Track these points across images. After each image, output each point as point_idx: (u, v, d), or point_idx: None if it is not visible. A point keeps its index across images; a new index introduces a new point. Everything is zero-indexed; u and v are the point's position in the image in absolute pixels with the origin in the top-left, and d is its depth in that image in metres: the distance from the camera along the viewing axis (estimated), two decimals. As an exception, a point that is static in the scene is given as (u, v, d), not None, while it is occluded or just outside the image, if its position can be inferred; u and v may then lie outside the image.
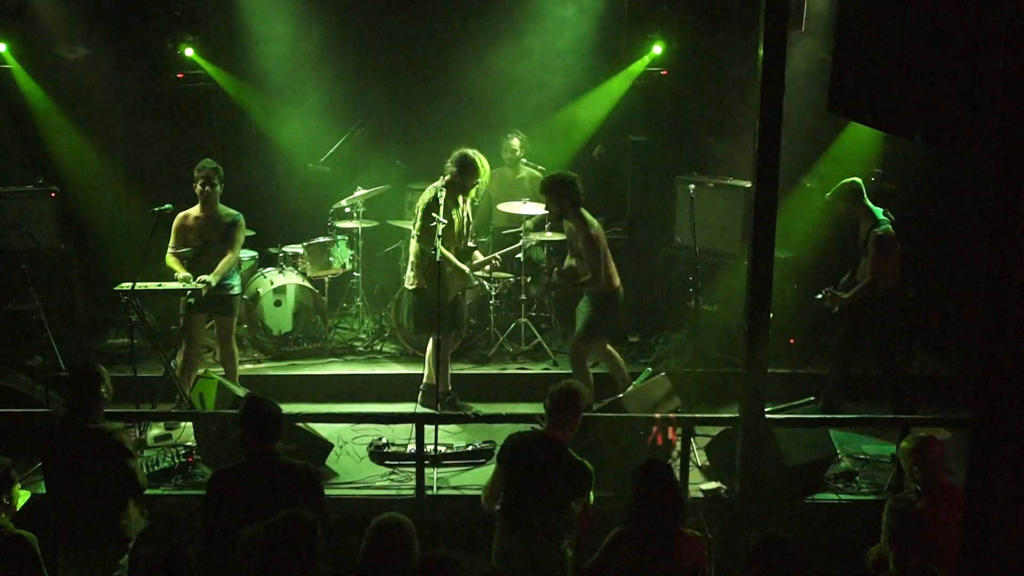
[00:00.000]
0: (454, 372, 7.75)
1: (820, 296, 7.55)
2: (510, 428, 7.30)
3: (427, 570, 4.07)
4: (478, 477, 7.02)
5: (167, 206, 7.56)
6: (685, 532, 4.78)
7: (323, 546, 4.41)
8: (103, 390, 5.45)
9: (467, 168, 7.54)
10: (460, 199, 7.73)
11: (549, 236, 8.99)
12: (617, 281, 7.72)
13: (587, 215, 7.62)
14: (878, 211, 7.48)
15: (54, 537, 5.47)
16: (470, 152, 7.59)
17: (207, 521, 4.92)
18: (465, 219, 7.86)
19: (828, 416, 7.49)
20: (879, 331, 7.58)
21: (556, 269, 8.13)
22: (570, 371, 8.27)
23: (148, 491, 6.61)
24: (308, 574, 4.16)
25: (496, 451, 5.67)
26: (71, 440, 5.41)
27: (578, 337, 7.76)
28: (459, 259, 7.62)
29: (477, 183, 7.70)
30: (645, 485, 4.69)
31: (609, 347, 7.92)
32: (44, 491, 5.63)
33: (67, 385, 5.55)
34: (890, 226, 7.41)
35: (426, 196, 7.56)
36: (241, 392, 7.04)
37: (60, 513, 5.48)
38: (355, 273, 9.39)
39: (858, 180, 7.54)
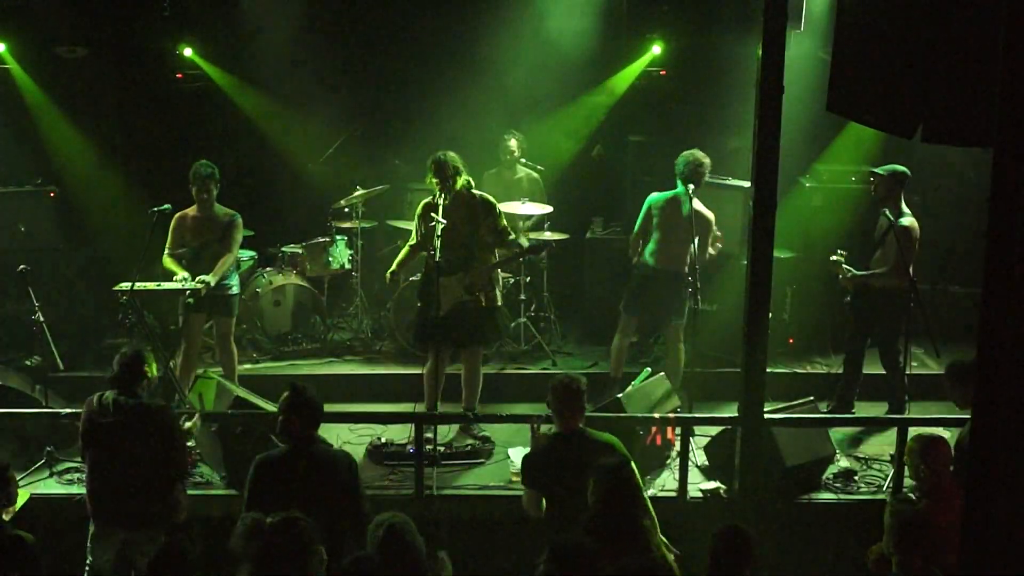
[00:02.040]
0: (451, 372, 7.70)
1: (835, 259, 7.53)
2: (510, 428, 7.36)
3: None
4: (477, 477, 7.02)
5: (166, 206, 7.56)
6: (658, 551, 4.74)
7: (358, 537, 4.45)
8: (147, 369, 5.56)
9: (441, 168, 7.35)
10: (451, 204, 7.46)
11: (548, 236, 8.99)
12: (641, 257, 7.90)
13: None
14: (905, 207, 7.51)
15: (94, 518, 5.52)
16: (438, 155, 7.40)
17: (250, 506, 4.89)
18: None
19: (828, 416, 7.50)
20: (884, 330, 7.59)
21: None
22: (569, 371, 8.28)
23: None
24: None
25: (521, 475, 5.62)
26: (115, 416, 5.45)
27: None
28: (453, 268, 7.23)
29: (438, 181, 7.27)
30: (611, 487, 4.70)
31: (620, 335, 8.05)
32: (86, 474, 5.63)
33: (113, 367, 5.59)
34: (915, 221, 7.43)
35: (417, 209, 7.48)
36: (241, 392, 7.04)
37: (101, 494, 5.50)
38: (354, 273, 9.38)
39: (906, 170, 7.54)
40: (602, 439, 5.36)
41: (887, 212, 7.41)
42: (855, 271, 7.50)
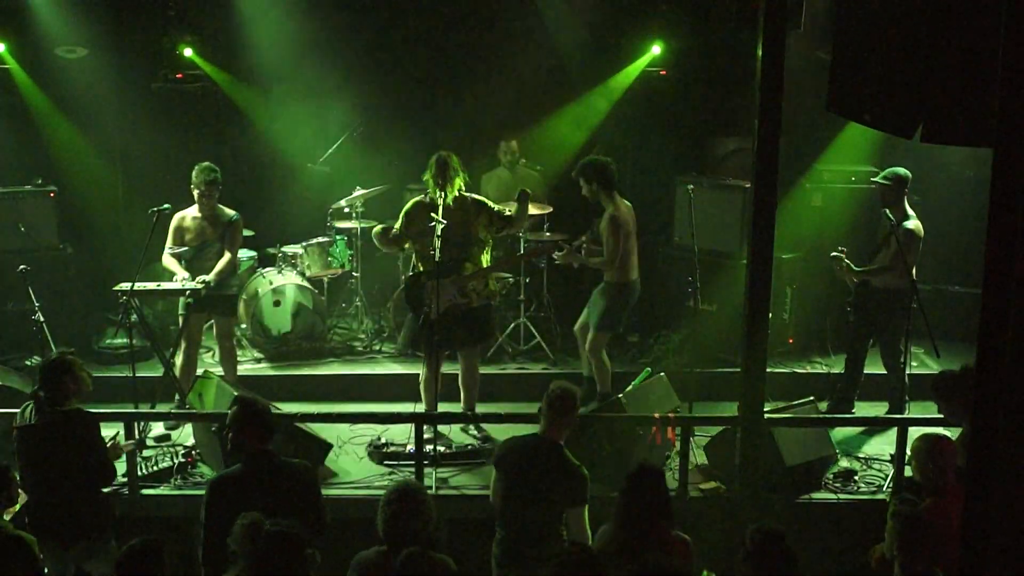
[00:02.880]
0: (449, 372, 7.69)
1: (835, 255, 7.55)
2: (510, 428, 7.35)
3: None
4: (477, 477, 7.02)
5: (166, 206, 7.56)
6: (674, 535, 4.78)
7: (320, 544, 4.43)
8: (69, 380, 5.49)
9: (444, 167, 7.35)
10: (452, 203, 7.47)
11: (547, 236, 8.99)
12: (634, 275, 7.74)
13: (620, 200, 7.64)
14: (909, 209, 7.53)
15: (35, 535, 5.37)
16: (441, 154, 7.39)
17: (209, 529, 4.84)
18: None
19: (828, 416, 7.50)
20: (886, 330, 7.59)
21: (585, 238, 8.10)
22: (569, 371, 8.29)
23: (147, 491, 6.69)
24: None
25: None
26: (40, 426, 5.47)
27: (594, 327, 7.76)
28: (447, 269, 7.16)
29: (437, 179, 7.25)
30: (636, 491, 4.68)
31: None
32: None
33: (38, 375, 5.61)
34: (920, 223, 7.44)
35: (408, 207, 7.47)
36: (240, 392, 7.03)
37: (36, 506, 5.52)
38: (354, 273, 9.38)
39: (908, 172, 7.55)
40: (580, 471, 5.25)
41: (888, 213, 7.42)
42: (855, 266, 7.51)
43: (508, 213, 7.40)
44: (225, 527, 4.49)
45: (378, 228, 7.47)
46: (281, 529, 4.20)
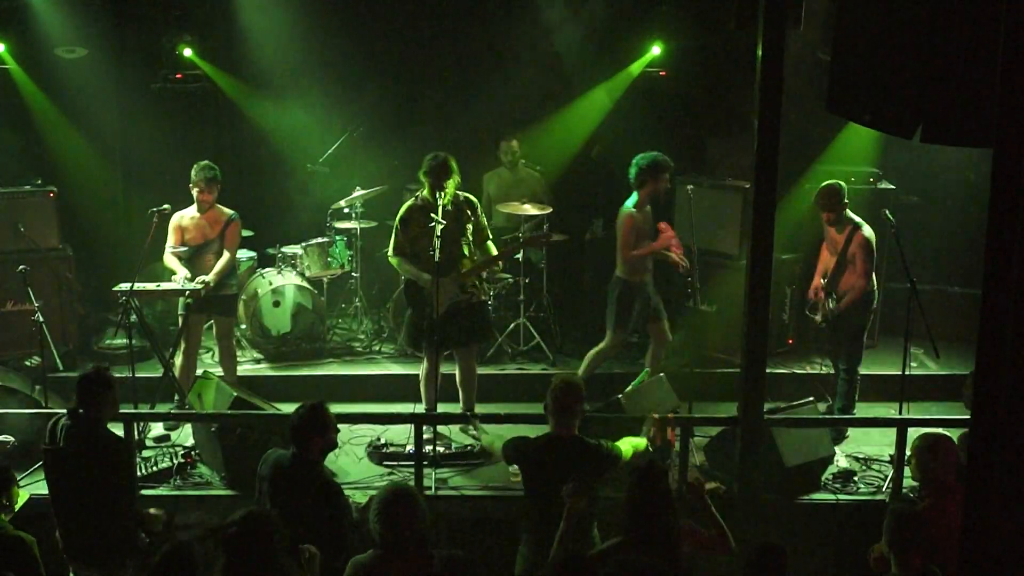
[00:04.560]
0: (447, 372, 7.68)
1: (813, 314, 7.68)
2: (510, 428, 7.35)
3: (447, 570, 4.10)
4: (477, 477, 7.02)
5: (166, 206, 7.57)
6: (684, 524, 4.80)
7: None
8: (109, 396, 5.38)
9: (442, 168, 7.36)
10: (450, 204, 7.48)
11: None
12: (642, 277, 7.75)
13: (640, 198, 7.64)
14: (856, 216, 7.55)
15: (64, 551, 5.42)
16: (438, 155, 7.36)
17: None
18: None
19: (828, 416, 7.50)
20: (853, 328, 7.61)
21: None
22: (569, 371, 8.27)
23: (148, 491, 6.68)
24: (271, 568, 4.18)
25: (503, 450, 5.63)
26: (75, 446, 5.33)
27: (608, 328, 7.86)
28: (446, 267, 7.17)
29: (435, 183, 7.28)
30: (642, 491, 4.69)
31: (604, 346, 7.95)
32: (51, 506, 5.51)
33: (76, 389, 5.38)
34: (869, 228, 7.49)
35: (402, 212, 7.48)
36: (240, 393, 7.03)
37: (64, 529, 5.41)
38: (354, 274, 9.38)
39: (841, 183, 7.55)
40: (603, 448, 5.32)
41: (888, 214, 7.47)
42: (834, 307, 7.53)
43: (488, 241, 7.48)
44: None
45: (394, 261, 7.47)
46: (251, 510, 4.25)
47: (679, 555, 4.72)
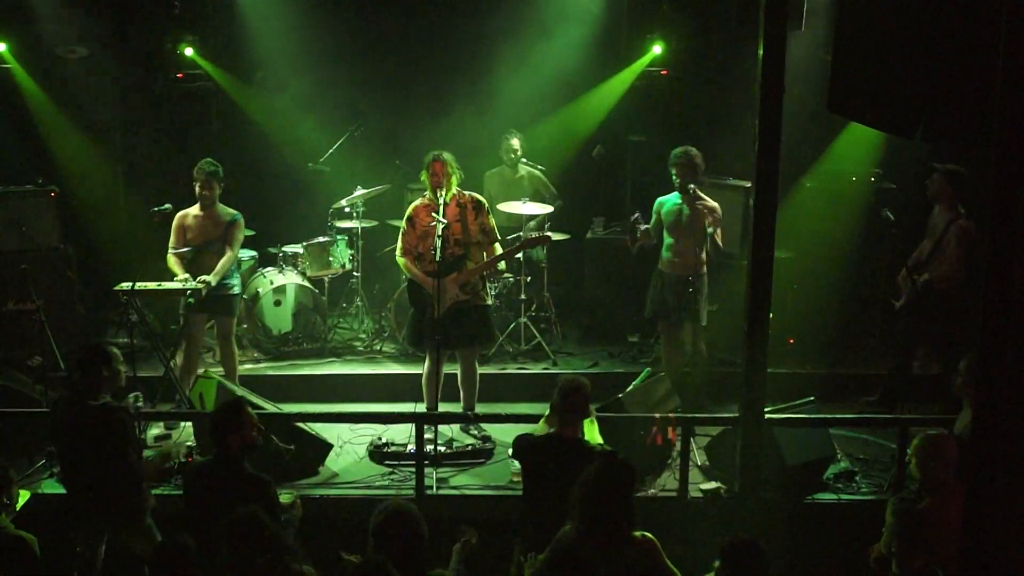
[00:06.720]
0: (448, 372, 7.67)
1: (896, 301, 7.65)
2: (510, 428, 7.35)
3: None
4: (477, 477, 7.02)
5: (166, 206, 7.57)
6: (636, 536, 4.62)
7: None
8: (105, 371, 5.49)
9: (440, 166, 7.26)
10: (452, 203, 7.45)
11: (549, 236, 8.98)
12: (660, 265, 7.82)
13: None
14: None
15: (68, 513, 5.57)
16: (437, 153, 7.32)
17: None
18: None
19: (828, 416, 7.49)
20: (939, 330, 7.59)
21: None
22: (570, 371, 8.28)
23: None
24: (272, 561, 4.21)
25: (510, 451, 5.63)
26: (73, 418, 5.48)
27: None
28: (449, 268, 7.18)
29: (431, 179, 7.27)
30: (598, 487, 4.54)
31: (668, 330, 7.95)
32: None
33: (71, 364, 5.62)
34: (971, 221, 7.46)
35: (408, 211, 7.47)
36: (241, 392, 7.03)
37: (72, 490, 5.61)
38: (355, 273, 9.38)
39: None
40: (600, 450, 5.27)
41: (888, 213, 7.44)
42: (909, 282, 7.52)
43: (497, 241, 7.43)
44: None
45: (401, 262, 7.43)
46: (244, 510, 4.29)
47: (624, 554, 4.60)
